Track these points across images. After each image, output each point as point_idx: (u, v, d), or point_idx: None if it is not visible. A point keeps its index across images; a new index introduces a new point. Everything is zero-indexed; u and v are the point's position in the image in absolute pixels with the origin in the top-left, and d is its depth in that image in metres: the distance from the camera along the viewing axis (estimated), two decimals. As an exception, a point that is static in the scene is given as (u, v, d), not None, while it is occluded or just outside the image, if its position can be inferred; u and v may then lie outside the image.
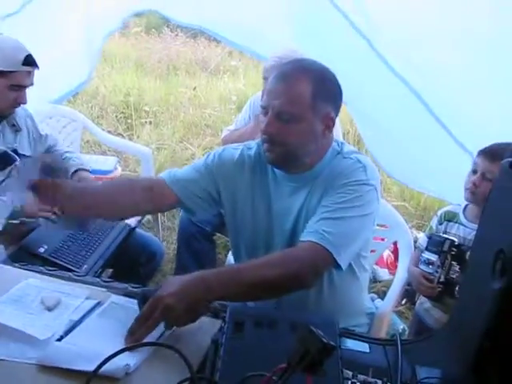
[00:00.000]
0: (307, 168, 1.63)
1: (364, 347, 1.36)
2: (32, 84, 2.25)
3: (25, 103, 2.25)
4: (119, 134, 5.67)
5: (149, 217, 3.44)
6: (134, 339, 1.21)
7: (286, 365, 0.71)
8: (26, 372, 1.15)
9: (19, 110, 2.39)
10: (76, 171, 2.42)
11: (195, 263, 2.83)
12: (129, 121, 6.20)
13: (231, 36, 3.45)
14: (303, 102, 1.51)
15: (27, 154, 2.39)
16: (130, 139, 5.60)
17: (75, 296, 1.45)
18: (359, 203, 1.53)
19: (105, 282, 1.65)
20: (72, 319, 1.33)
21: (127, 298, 1.42)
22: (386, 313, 2.01)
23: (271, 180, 1.70)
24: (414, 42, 2.48)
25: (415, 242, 2.36)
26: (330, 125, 1.59)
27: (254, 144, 1.76)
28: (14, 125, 2.37)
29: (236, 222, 1.76)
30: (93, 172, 2.86)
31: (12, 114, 2.32)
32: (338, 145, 1.68)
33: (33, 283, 1.49)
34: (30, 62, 2.16)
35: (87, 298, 1.45)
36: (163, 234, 3.75)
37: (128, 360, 1.14)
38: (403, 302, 3.11)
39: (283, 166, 1.64)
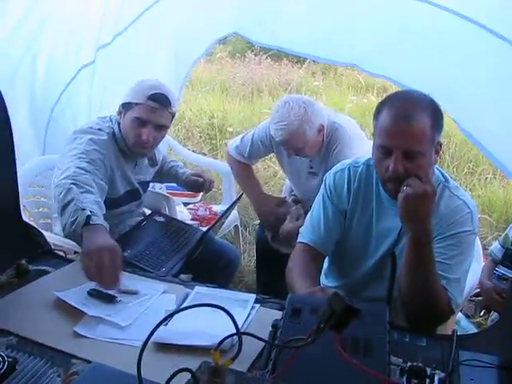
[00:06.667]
0: None
1: (421, 341, 1.44)
2: (163, 126, 2.25)
3: (145, 141, 2.22)
4: (203, 154, 5.91)
5: (231, 229, 3.62)
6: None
7: (317, 325, 0.84)
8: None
9: (160, 146, 2.55)
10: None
11: (273, 276, 2.93)
12: (213, 141, 6.44)
13: (313, 52, 3.45)
14: (427, 138, 1.57)
15: (148, 179, 2.55)
16: (215, 159, 5.82)
17: (152, 289, 1.69)
18: (466, 256, 1.67)
19: (184, 281, 1.84)
20: (168, 309, 1.54)
21: (209, 288, 1.68)
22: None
23: (375, 199, 1.78)
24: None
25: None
26: (439, 150, 1.66)
27: (361, 163, 1.85)
28: (151, 159, 2.52)
29: None
30: (178, 189, 3.15)
31: (148, 155, 2.43)
32: (442, 174, 1.75)
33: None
34: (156, 98, 2.18)
35: (164, 292, 1.68)
36: (245, 247, 3.92)
37: None
38: (481, 313, 3.07)
39: None
